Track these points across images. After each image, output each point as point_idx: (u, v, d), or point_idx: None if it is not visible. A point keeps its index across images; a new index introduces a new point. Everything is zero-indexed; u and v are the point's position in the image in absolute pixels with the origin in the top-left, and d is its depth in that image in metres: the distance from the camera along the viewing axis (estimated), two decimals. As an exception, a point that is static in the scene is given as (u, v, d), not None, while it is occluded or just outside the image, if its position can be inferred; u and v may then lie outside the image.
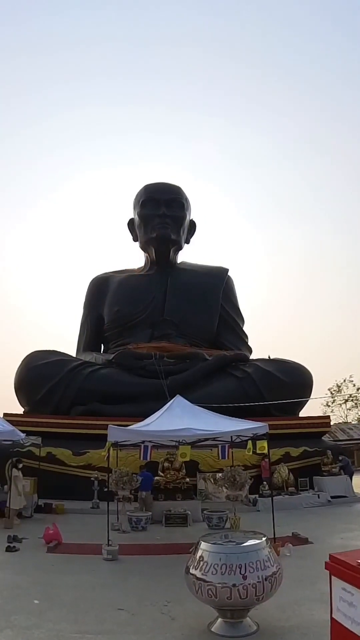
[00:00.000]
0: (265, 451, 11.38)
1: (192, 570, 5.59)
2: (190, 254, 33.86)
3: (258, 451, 11.74)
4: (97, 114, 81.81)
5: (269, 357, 23.67)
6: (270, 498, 16.52)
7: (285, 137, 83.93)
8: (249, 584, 5.27)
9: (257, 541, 5.69)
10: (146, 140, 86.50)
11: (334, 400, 54.68)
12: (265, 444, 11.34)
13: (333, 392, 54.25)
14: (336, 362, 73.03)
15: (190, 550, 5.94)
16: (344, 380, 53.92)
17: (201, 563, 5.48)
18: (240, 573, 5.26)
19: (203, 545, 5.65)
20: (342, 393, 53.86)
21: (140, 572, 9.03)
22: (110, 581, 8.41)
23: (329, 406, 54.29)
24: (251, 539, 5.92)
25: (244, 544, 5.67)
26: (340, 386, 54.20)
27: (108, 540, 10.19)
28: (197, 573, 5.48)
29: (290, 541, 10.93)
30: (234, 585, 5.25)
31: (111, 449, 11.67)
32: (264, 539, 5.77)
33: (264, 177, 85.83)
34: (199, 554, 5.63)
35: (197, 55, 77.12)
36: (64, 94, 78.50)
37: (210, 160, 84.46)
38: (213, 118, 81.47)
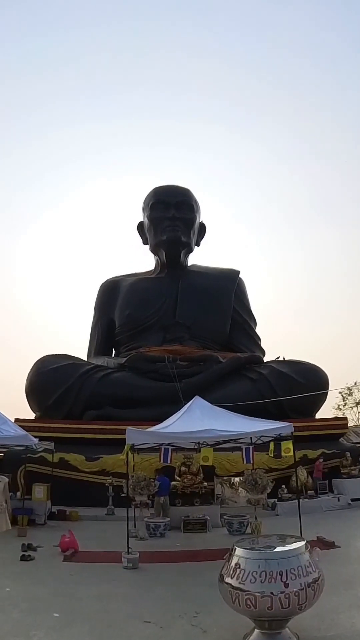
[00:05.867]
0: (291, 453, 10.91)
1: (227, 579, 5.14)
2: (199, 258, 33.46)
3: (283, 453, 11.24)
4: (101, 127, 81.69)
5: (283, 358, 23.22)
6: (289, 501, 16.21)
7: (288, 145, 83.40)
8: (291, 592, 4.83)
9: (297, 545, 5.25)
10: (149, 150, 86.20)
11: (345, 404, 54.00)
12: (290, 444, 10.88)
13: (344, 395, 53.53)
14: (345, 366, 72.14)
15: (225, 556, 5.49)
16: (355, 383, 53.19)
17: (237, 571, 5.02)
18: (281, 580, 4.81)
19: (239, 551, 5.19)
20: (354, 396, 53.14)
21: (164, 581, 8.58)
22: (133, 591, 7.96)
23: (340, 409, 53.57)
24: (289, 542, 5.48)
25: (284, 549, 5.22)
26: (351, 389, 53.46)
27: (128, 547, 9.75)
28: (234, 582, 5.02)
29: (317, 545, 10.44)
30: (274, 594, 4.81)
31: (129, 452, 11.24)
32: (303, 542, 5.33)
33: (266, 185, 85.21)
34: (234, 561, 5.17)
35: (197, 65, 76.87)
36: (68, 109, 78.45)
37: (212, 168, 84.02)
38: (215, 127, 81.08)
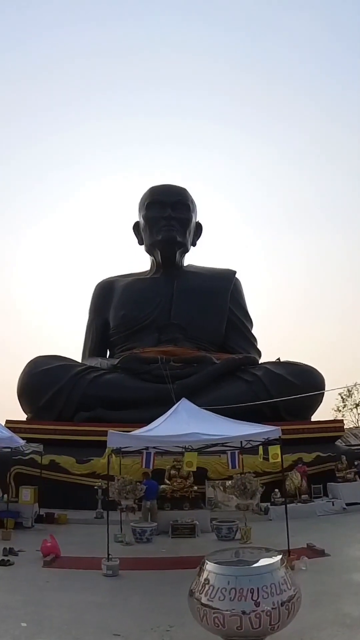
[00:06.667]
0: (279, 459, 10.54)
1: (196, 594, 4.82)
2: (196, 258, 33.13)
3: (271, 459, 10.85)
4: (102, 126, 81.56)
5: (278, 359, 22.87)
6: (282, 506, 15.84)
7: (290, 144, 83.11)
8: (263, 611, 4.51)
9: (271, 560, 4.91)
10: (151, 149, 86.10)
11: (344, 405, 53.69)
12: (278, 449, 10.51)
13: (344, 397, 53.21)
14: (346, 367, 71.74)
15: (196, 569, 5.17)
16: (355, 384, 52.85)
17: (207, 587, 4.70)
18: (252, 599, 4.49)
19: (209, 565, 4.86)
20: (353, 397, 52.83)
21: (143, 589, 8.27)
22: (108, 600, 7.65)
23: (339, 411, 53.23)
24: (264, 557, 5.15)
25: (256, 565, 4.89)
26: (350, 390, 53.10)
27: (108, 554, 9.43)
28: (202, 598, 4.71)
29: (305, 553, 10.12)
30: (244, 612, 4.49)
31: (113, 456, 10.92)
32: (279, 557, 5.00)
33: (268, 185, 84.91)
34: (204, 575, 4.84)
35: (200, 64, 76.65)
36: (67, 110, 78.38)
37: (214, 168, 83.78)
38: (217, 126, 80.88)
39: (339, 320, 79.87)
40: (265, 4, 69.08)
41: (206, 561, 4.97)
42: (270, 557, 5.20)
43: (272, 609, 4.56)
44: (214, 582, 4.69)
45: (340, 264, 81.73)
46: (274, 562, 4.88)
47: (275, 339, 69.17)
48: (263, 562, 4.97)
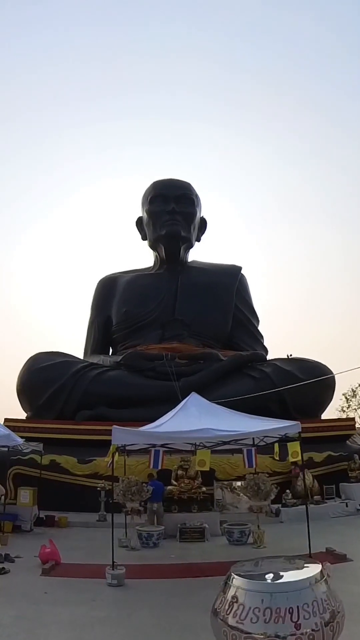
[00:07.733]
0: (299, 457, 9.68)
1: (222, 615, 4.00)
2: (200, 254, 32.39)
3: (291, 457, 10.00)
4: (102, 127, 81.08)
5: (289, 356, 22.09)
6: (294, 507, 15.12)
7: (288, 144, 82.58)
8: (303, 634, 3.70)
9: (311, 573, 4.09)
10: (150, 150, 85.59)
11: (348, 406, 52.91)
12: (298, 447, 9.66)
13: (348, 397, 52.46)
14: (350, 366, 70.70)
15: (220, 585, 4.34)
16: (359, 385, 52.11)
17: (235, 606, 3.88)
18: (291, 620, 3.68)
19: (237, 580, 4.03)
20: (358, 397, 52.03)
21: (150, 602, 7.43)
22: (113, 615, 6.83)
23: (343, 411, 52.44)
24: (298, 567, 4.34)
25: (294, 579, 4.06)
26: (355, 390, 52.36)
27: (113, 562, 8.61)
28: (230, 619, 3.89)
29: (326, 559, 9.26)
30: (281, 636, 3.68)
31: (117, 454, 10.10)
32: (319, 568, 4.19)
33: (266, 184, 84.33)
34: (230, 592, 4.01)
35: (197, 66, 76.07)
36: (65, 110, 77.91)
37: (212, 168, 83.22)
38: (215, 127, 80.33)
39: (342, 317, 79.22)
40: (263, 5, 68.44)
41: (233, 575, 4.14)
42: (303, 567, 4.41)
43: (315, 631, 3.74)
44: (244, 601, 3.85)
45: (340, 264, 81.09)
46: (313, 575, 4.06)
47: (276, 338, 68.37)
48: (300, 574, 4.14)
